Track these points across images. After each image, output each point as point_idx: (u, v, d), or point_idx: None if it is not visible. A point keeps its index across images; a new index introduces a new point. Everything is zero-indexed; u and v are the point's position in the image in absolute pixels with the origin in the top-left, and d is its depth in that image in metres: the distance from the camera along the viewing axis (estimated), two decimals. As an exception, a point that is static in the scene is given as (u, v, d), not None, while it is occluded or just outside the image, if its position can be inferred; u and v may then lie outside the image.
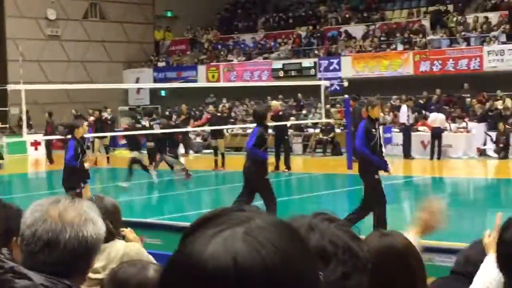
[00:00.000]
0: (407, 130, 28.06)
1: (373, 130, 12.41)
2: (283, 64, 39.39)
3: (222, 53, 43.44)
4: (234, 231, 1.33)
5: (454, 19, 36.78)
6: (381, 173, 12.77)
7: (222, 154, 25.89)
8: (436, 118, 27.62)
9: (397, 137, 28.77)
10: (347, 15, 41.62)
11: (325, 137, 30.52)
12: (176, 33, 48.40)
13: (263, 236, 1.37)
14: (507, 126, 27.33)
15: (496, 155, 26.86)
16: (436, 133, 26.95)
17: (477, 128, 28.23)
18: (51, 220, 2.56)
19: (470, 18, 36.18)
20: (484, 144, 27.80)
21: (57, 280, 2.54)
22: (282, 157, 24.57)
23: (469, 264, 3.77)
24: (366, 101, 13.26)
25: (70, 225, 2.57)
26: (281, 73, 38.90)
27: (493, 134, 27.43)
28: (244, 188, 13.44)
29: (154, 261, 4.09)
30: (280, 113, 25.20)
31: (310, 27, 41.77)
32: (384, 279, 2.80)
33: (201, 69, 42.09)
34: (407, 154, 27.66)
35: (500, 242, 2.95)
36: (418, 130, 28.79)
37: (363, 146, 12.40)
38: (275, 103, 26.09)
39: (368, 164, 12.50)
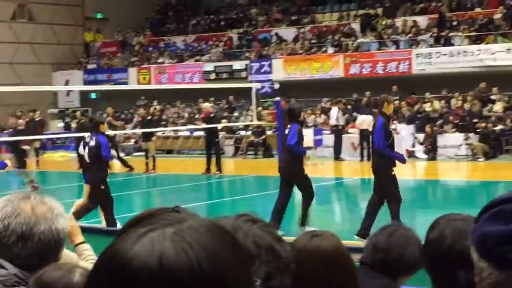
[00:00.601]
0: (338, 132, 28.33)
1: (390, 127, 12.85)
2: (215, 67, 39.31)
3: (153, 55, 43.16)
4: (163, 231, 1.30)
5: (384, 22, 37.22)
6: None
7: (153, 157, 25.72)
8: (364, 120, 27.92)
9: (328, 139, 29.01)
10: (278, 18, 41.80)
11: (257, 140, 30.61)
12: (106, 35, 47.89)
13: (192, 236, 1.34)
14: (435, 128, 27.80)
15: (425, 156, 27.30)
16: (365, 135, 27.25)
17: (406, 130, 28.63)
18: (24, 214, 2.65)
19: (399, 22, 36.66)
20: (413, 146, 28.21)
21: (29, 274, 2.65)
22: (213, 160, 24.54)
23: (377, 251, 3.74)
24: (381, 98, 13.20)
25: (43, 219, 2.67)
26: (213, 76, 38.81)
27: (421, 136, 27.89)
28: (283, 183, 13.96)
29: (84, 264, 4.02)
30: (211, 115, 25.16)
31: (241, 30, 41.82)
32: (310, 280, 2.81)
33: (132, 71, 41.75)
34: (337, 156, 27.92)
35: (426, 242, 2.97)
36: (348, 132, 29.07)
37: (384, 146, 12.51)
38: (206, 105, 26.02)
39: (387, 162, 12.63)
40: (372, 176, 13.63)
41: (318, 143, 28.67)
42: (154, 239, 1.28)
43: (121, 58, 44.26)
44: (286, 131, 14.20)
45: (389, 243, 3.73)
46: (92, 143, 14.08)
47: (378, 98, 15.17)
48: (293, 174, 13.85)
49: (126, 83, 40.34)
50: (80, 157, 18.50)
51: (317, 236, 2.95)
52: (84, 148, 15.44)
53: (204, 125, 25.08)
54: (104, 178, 14.09)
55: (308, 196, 13.80)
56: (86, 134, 15.62)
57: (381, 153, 12.71)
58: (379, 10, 38.61)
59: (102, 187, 13.84)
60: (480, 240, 1.83)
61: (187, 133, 34.41)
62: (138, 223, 1.34)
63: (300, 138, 13.74)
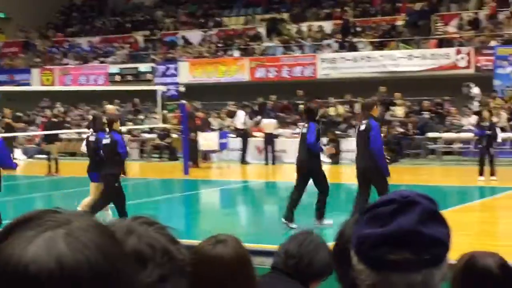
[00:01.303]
0: (243, 136, 28.45)
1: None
2: (120, 69, 38.96)
3: (57, 56, 42.48)
4: (54, 233, 1.28)
5: (289, 27, 37.58)
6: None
7: (56, 159, 25.30)
8: (269, 124, 28.20)
9: (234, 142, 29.10)
10: (184, 21, 41.72)
11: (162, 143, 30.47)
12: (8, 35, 46.85)
13: (84, 236, 1.33)
14: (338, 132, 28.20)
15: (328, 160, 27.64)
16: (269, 139, 27.53)
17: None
18: None
19: (304, 27, 37.06)
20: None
21: None
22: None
23: (288, 257, 3.83)
24: (369, 102, 14.45)
25: None
26: (118, 78, 38.46)
27: (325, 140, 28.23)
28: (301, 179, 14.60)
29: None
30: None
31: (148, 32, 41.58)
32: (208, 285, 2.83)
33: (35, 72, 40.93)
34: (243, 159, 28.05)
35: (338, 239, 2.99)
36: (254, 136, 29.23)
37: (381, 146, 13.69)
38: (110, 108, 25.76)
39: (378, 162, 13.38)
40: (276, 180, 13.85)
41: (223, 146, 28.74)
42: (47, 241, 1.26)
43: (24, 59, 43.37)
44: (304, 130, 14.71)
45: (300, 250, 3.80)
46: (107, 141, 14.18)
47: (365, 102, 15.82)
48: (311, 170, 14.44)
49: (28, 84, 39.50)
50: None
51: (221, 242, 2.96)
52: (87, 145, 15.56)
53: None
54: (119, 175, 14.35)
55: (324, 192, 14.52)
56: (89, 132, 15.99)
57: (375, 153, 13.40)
58: (285, 15, 38.97)
59: (116, 184, 14.06)
60: (357, 243, 1.87)
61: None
62: (21, 226, 1.31)
63: (318, 136, 14.46)
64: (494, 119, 24.48)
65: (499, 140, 21.55)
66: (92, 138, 15.33)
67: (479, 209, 17.28)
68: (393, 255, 1.78)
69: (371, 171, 13.47)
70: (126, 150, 15.25)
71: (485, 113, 22.44)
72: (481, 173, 21.21)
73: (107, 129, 14.62)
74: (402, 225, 1.80)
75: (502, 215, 16.77)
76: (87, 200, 15.18)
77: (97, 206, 14.21)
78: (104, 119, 15.15)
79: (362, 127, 13.67)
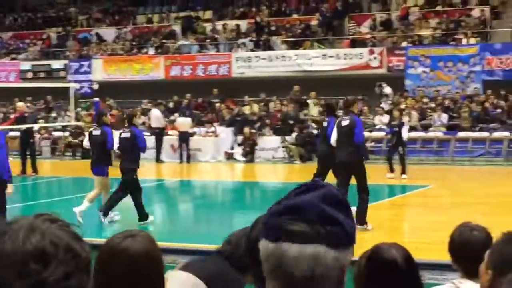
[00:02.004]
0: (158, 134, 28.35)
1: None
2: (32, 65, 38.36)
3: (-34, 52, 41.50)
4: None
5: (204, 25, 37.58)
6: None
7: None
8: (183, 122, 28.19)
9: (148, 140, 28.91)
10: (98, 18, 41.31)
11: (75, 141, 30.10)
12: None
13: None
14: (253, 131, 28.36)
15: (243, 159, 27.79)
16: (184, 137, 27.52)
17: (226, 133, 29.05)
18: None
19: (219, 25, 37.11)
20: (232, 148, 28.66)
21: None
22: (29, 160, 23.99)
23: (227, 244, 4.08)
24: (349, 100, 15.74)
25: None
26: (30, 75, 37.86)
27: (240, 139, 28.40)
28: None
29: None
30: (26, 114, 24.62)
31: (61, 28, 41.02)
32: (115, 280, 2.86)
33: None
34: (158, 157, 27.94)
35: (249, 238, 3.02)
36: (168, 134, 29.15)
37: (363, 139, 14.74)
38: (21, 105, 25.44)
39: (362, 155, 14.18)
40: (191, 178, 13.93)
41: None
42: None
43: None
44: (325, 124, 15.98)
45: (240, 239, 3.91)
46: (126, 135, 14.49)
47: (346, 99, 16.75)
48: (328, 160, 15.51)
49: None
50: (87, 150, 18.59)
51: (131, 237, 2.96)
52: (90, 139, 15.86)
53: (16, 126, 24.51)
54: (137, 168, 14.56)
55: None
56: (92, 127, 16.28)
57: (360, 146, 14.29)
58: (200, 13, 38.96)
59: (135, 177, 14.37)
60: (264, 224, 1.95)
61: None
62: None
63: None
64: (405, 119, 24.95)
65: (404, 139, 22.01)
66: (96, 132, 15.42)
67: (389, 206, 17.57)
68: (291, 225, 1.85)
69: (355, 165, 13.91)
70: (146, 145, 15.65)
71: (395, 113, 23.00)
72: (390, 170, 21.69)
73: (126, 124, 15.25)
74: (303, 199, 1.88)
75: (411, 212, 17.10)
76: (91, 194, 15.24)
77: (115, 199, 14.51)
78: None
79: (345, 123, 14.09)
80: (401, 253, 3.58)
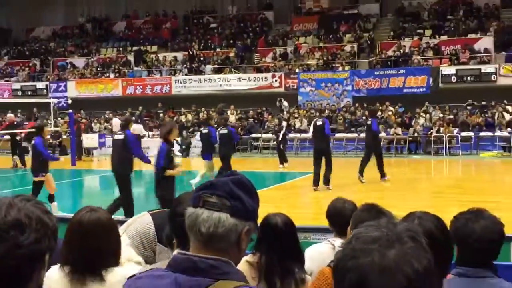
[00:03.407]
0: (117, 137, 27.91)
1: None
2: (21, 86, 37.23)
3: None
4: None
5: (152, 56, 37.23)
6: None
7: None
8: (136, 128, 27.80)
9: (110, 141, 28.43)
10: (72, 50, 40.48)
11: (54, 141, 29.41)
12: None
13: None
14: (188, 133, 28.23)
15: (181, 154, 27.62)
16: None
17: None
18: None
19: (162, 56, 36.82)
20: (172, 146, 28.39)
21: None
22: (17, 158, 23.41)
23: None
24: (324, 108, 16.52)
25: None
26: (20, 93, 36.79)
27: (178, 139, 28.20)
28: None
29: None
30: (15, 123, 24.07)
31: (43, 58, 40.04)
32: (93, 245, 2.82)
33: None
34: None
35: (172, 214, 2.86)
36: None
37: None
38: (10, 116, 25.00)
39: (329, 143, 17.11)
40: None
41: (101, 144, 28.28)
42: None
43: None
44: (369, 122, 17.32)
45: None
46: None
47: (319, 109, 17.93)
48: (377, 149, 17.28)
49: None
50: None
51: (95, 211, 2.92)
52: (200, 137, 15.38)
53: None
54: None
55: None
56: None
57: (328, 138, 16.32)
58: (148, 47, 38.57)
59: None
60: (191, 198, 2.06)
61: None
62: None
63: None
64: (298, 124, 25.21)
65: (280, 138, 22.23)
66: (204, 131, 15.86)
67: (280, 188, 17.56)
68: (206, 196, 1.93)
69: (326, 151, 15.51)
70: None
71: (276, 120, 23.28)
72: (280, 162, 21.75)
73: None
74: (220, 180, 1.98)
75: (300, 192, 17.12)
76: (202, 172, 15.71)
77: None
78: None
79: (319, 123, 15.00)
80: (282, 218, 3.71)
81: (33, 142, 13.14)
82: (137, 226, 3.48)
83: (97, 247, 2.80)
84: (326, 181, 15.49)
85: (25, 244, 1.61)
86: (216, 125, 17.12)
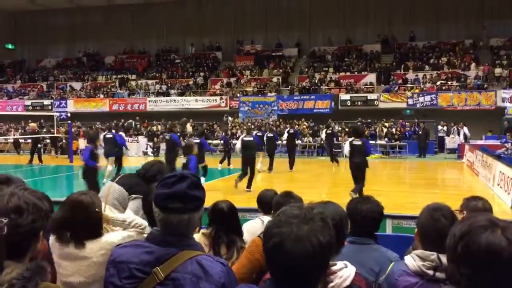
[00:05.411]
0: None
1: None
2: (32, 102, 35.94)
3: (-8, 94, 38.22)
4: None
5: (132, 82, 36.57)
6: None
7: None
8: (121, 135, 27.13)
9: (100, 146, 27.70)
10: (71, 76, 39.28)
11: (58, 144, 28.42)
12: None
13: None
14: (158, 139, 27.78)
15: (152, 155, 27.13)
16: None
17: (143, 141, 28.33)
18: None
19: (140, 82, 36.19)
20: (146, 148, 27.96)
21: None
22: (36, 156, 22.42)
23: (143, 168, 4.12)
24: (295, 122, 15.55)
25: None
26: (30, 108, 35.43)
27: (151, 143, 27.77)
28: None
29: None
30: (36, 130, 23.20)
31: (49, 82, 38.70)
32: (76, 222, 2.67)
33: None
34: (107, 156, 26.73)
35: (146, 199, 2.86)
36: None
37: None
38: (32, 125, 24.08)
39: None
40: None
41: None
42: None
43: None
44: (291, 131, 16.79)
45: (150, 167, 4.15)
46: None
47: (290, 122, 17.55)
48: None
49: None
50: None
51: (82, 195, 2.75)
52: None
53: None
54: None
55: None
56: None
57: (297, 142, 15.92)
58: (129, 76, 37.88)
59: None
60: (155, 197, 1.98)
61: (21, 140, 31.01)
62: None
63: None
64: (238, 133, 25.13)
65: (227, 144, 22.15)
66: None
67: (230, 179, 17.38)
68: (172, 204, 1.88)
69: (292, 151, 16.29)
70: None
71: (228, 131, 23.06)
72: (221, 162, 21.41)
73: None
74: (177, 188, 1.89)
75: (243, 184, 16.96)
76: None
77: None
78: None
79: (291, 131, 14.84)
80: (226, 204, 3.68)
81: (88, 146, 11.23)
82: (115, 195, 3.66)
83: (79, 220, 2.64)
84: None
85: (24, 224, 1.60)
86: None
